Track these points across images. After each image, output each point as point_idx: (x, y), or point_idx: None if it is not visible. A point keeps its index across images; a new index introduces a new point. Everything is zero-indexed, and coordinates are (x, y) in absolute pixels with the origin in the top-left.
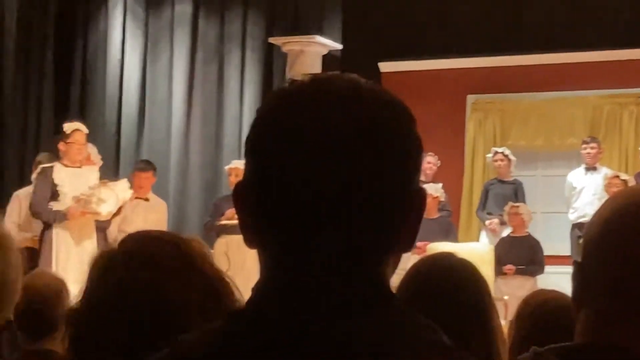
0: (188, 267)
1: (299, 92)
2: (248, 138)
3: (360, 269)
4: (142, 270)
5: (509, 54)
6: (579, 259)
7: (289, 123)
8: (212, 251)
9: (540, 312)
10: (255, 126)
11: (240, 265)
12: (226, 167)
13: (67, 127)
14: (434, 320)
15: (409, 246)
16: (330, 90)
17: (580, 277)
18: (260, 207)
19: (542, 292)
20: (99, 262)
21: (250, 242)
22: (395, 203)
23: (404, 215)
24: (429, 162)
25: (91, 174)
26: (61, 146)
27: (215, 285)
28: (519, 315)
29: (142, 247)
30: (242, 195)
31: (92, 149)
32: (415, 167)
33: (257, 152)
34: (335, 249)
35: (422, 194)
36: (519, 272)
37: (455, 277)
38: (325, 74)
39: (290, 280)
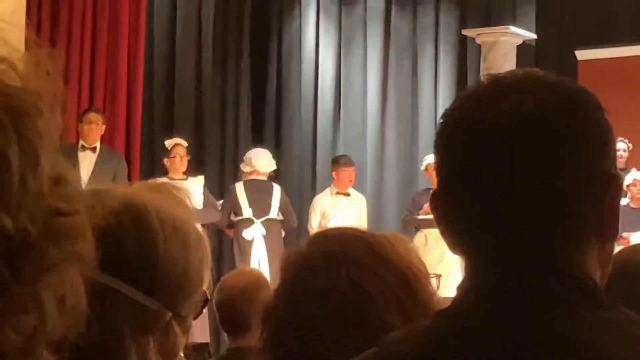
0: (382, 262)
1: (477, 89)
2: (435, 144)
3: (564, 265)
4: (340, 269)
5: None
6: None
7: (465, 120)
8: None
9: None
10: (437, 129)
11: (439, 259)
12: (421, 168)
13: (168, 143)
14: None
15: (611, 236)
16: (508, 84)
17: None
18: (454, 214)
19: None
20: (293, 262)
21: (453, 248)
22: (584, 190)
23: (596, 202)
24: (619, 148)
25: (196, 185)
26: (165, 162)
27: (410, 280)
28: None
29: (334, 245)
30: (438, 206)
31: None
32: (601, 153)
33: (441, 154)
34: (537, 247)
35: (617, 181)
36: None
37: None
38: (508, 71)
39: (497, 281)
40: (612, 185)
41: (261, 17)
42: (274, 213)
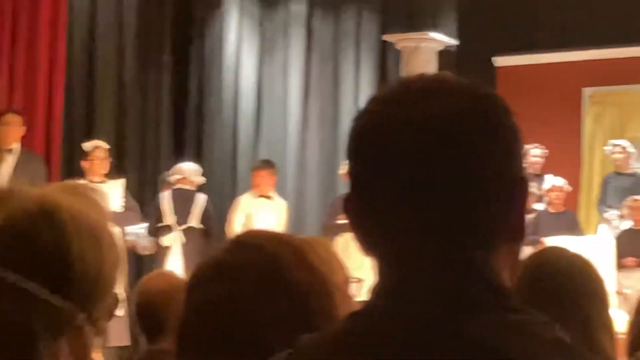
0: (275, 277)
1: (387, 93)
2: (347, 148)
3: (474, 266)
4: (224, 284)
5: (625, 46)
6: None
7: (374, 124)
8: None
9: None
10: (349, 133)
11: (360, 263)
12: (340, 172)
13: (87, 145)
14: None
15: (519, 237)
16: (417, 88)
17: None
18: (366, 216)
19: None
20: (201, 269)
21: (365, 250)
22: (494, 193)
23: (506, 205)
24: (535, 154)
25: (115, 188)
26: (83, 164)
27: (306, 295)
28: (637, 310)
29: (247, 252)
30: (350, 209)
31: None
32: (511, 156)
33: (352, 158)
34: (448, 248)
35: (525, 184)
36: None
37: (562, 272)
38: (417, 75)
39: (407, 283)
40: (521, 187)
41: (183, 21)
42: (195, 222)
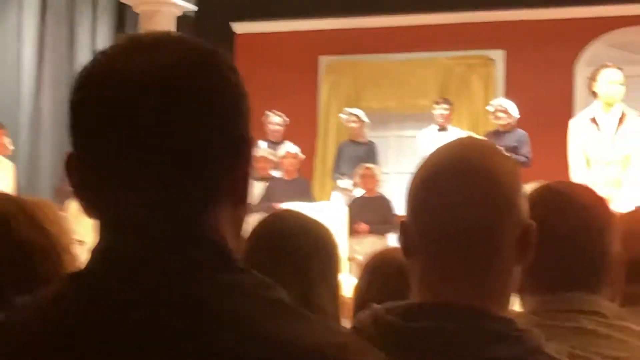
0: (4, 237)
1: (114, 47)
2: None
3: (195, 227)
4: None
5: (361, 16)
6: None
7: (94, 77)
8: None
9: (382, 269)
10: (73, 84)
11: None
12: None
13: None
14: (272, 277)
15: (243, 199)
16: (144, 41)
17: (404, 234)
18: (86, 176)
19: (387, 250)
20: None
21: (87, 211)
22: (217, 152)
23: (229, 165)
24: (274, 122)
25: None
26: None
27: (36, 255)
28: (362, 273)
29: None
30: (72, 169)
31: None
32: (236, 116)
33: (71, 113)
34: (168, 208)
35: (250, 145)
36: (372, 232)
37: (294, 234)
38: (142, 33)
39: (125, 244)
40: (245, 148)
41: None
42: None
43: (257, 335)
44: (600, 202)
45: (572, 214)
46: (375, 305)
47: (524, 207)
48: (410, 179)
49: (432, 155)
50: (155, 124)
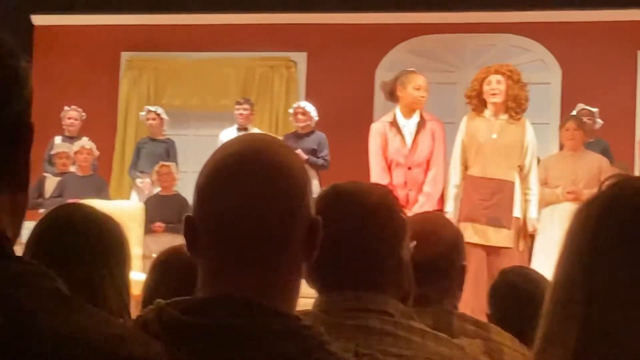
0: None
1: None
2: None
3: None
4: None
5: (165, 12)
6: None
7: None
8: None
9: (170, 266)
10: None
11: None
12: None
13: None
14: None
15: (20, 186)
16: None
17: (190, 228)
18: None
19: (176, 246)
20: None
21: None
22: None
23: (5, 149)
24: (71, 117)
25: None
26: None
27: None
28: (151, 269)
29: None
30: None
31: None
32: (11, 98)
33: None
34: None
35: (29, 129)
36: (168, 230)
37: (74, 226)
38: None
39: None
40: (26, 134)
41: None
42: None
43: (32, 326)
44: (390, 204)
45: (356, 213)
46: (160, 301)
47: (312, 203)
48: (199, 173)
49: (220, 148)
50: None
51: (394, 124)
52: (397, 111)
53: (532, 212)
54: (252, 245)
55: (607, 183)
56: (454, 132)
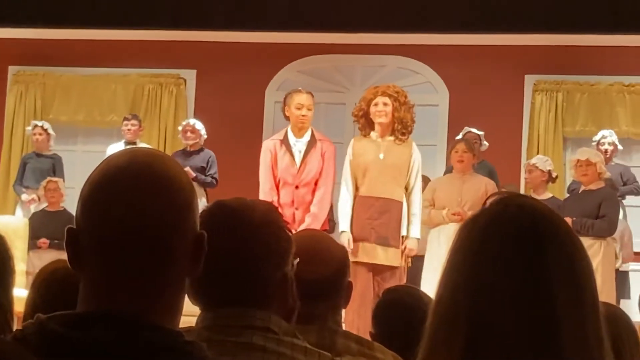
0: None
1: None
2: None
3: None
4: None
5: (52, 27)
6: None
7: None
8: None
9: (52, 281)
10: None
11: None
12: None
13: None
14: None
15: None
16: None
17: (71, 242)
18: None
19: (58, 261)
20: None
21: None
22: None
23: None
24: None
25: None
26: None
27: None
28: (32, 285)
29: None
30: None
31: None
32: None
33: None
34: None
35: None
36: (52, 246)
37: None
38: None
39: None
40: None
41: None
42: None
43: None
44: (274, 220)
45: (240, 229)
46: (40, 315)
47: (197, 217)
48: (84, 183)
49: (106, 160)
50: None
51: (284, 142)
52: (289, 130)
53: (413, 232)
54: (136, 257)
55: (491, 200)
56: (343, 152)
